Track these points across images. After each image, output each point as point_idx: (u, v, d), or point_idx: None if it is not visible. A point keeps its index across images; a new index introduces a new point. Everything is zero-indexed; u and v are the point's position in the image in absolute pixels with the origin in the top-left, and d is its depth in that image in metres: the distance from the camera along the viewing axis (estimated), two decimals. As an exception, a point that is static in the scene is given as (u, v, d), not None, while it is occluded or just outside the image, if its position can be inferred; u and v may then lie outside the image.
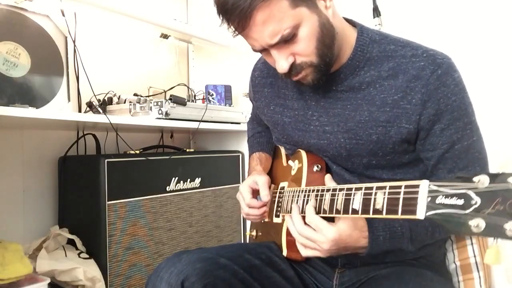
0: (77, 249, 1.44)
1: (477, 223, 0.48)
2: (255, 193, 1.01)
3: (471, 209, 0.49)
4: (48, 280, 1.25)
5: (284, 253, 0.92)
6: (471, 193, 0.50)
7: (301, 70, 0.80)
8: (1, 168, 1.51)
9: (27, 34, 1.34)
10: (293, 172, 0.99)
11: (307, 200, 0.83)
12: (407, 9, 1.61)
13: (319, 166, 0.92)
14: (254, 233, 1.13)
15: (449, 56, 0.83)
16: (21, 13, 1.33)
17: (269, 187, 1.01)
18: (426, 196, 0.55)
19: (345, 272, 0.92)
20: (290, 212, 0.91)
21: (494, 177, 0.49)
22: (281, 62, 0.78)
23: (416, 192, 0.56)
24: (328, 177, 0.87)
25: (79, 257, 1.39)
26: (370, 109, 0.84)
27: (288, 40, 0.75)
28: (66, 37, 1.46)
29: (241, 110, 1.95)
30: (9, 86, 1.28)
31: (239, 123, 1.93)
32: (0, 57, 1.26)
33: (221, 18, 0.77)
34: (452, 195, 0.52)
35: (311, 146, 0.94)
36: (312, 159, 0.94)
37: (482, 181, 0.49)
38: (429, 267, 0.90)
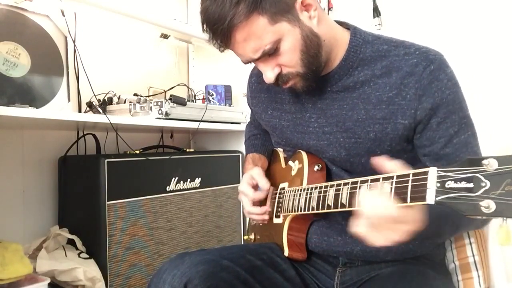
0: (77, 249, 1.43)
1: (488, 204, 0.51)
2: (256, 189, 1.01)
3: (481, 191, 0.52)
4: (48, 280, 1.25)
5: (286, 253, 0.92)
6: (480, 176, 0.52)
7: (288, 80, 0.83)
8: (1, 168, 1.51)
9: (27, 34, 1.34)
10: (293, 173, 0.99)
11: (310, 198, 0.83)
12: (407, 9, 1.61)
13: (320, 165, 0.93)
14: (252, 236, 1.12)
15: (442, 53, 0.84)
16: (21, 13, 1.33)
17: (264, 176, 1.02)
18: (435, 182, 0.56)
19: (346, 271, 0.92)
20: (292, 211, 0.91)
21: (502, 160, 0.51)
22: (268, 73, 0.82)
23: (425, 179, 0.57)
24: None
25: (79, 257, 1.38)
26: (367, 107, 0.85)
27: (271, 53, 0.79)
28: (66, 37, 1.45)
29: (241, 110, 1.95)
30: (9, 86, 1.28)
31: (239, 123, 1.93)
32: (0, 57, 1.26)
33: (207, 35, 0.80)
34: (461, 179, 0.54)
35: (310, 147, 0.95)
36: (313, 159, 0.94)
37: (491, 164, 0.51)
38: (429, 266, 0.90)
